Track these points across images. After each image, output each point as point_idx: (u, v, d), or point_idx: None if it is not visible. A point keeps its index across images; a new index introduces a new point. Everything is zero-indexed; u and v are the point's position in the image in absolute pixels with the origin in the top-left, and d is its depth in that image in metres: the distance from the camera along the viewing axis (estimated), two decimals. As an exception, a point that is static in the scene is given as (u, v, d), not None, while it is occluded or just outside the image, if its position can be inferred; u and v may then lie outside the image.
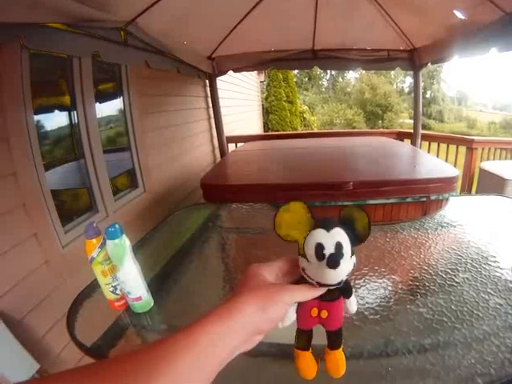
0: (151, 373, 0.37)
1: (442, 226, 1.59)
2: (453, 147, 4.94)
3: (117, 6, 2.17)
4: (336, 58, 4.49)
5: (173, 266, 1.44)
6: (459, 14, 2.89)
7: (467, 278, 1.14)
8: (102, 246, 0.98)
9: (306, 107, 19.58)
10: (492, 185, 3.91)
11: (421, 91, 4.94)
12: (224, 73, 4.85)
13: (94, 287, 1.18)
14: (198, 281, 1.40)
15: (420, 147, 5.01)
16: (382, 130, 10.08)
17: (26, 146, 1.90)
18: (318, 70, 26.24)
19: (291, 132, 10.19)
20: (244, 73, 7.89)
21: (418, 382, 0.76)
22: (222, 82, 5.36)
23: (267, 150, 4.57)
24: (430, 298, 1.06)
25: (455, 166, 3.67)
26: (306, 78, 29.65)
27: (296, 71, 25.99)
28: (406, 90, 28.21)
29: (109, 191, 2.75)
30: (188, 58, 3.65)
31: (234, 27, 3.85)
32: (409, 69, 4.68)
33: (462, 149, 4.76)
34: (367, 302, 1.07)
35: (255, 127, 11.15)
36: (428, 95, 26.48)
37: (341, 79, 30.77)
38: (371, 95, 25.10)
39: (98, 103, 2.71)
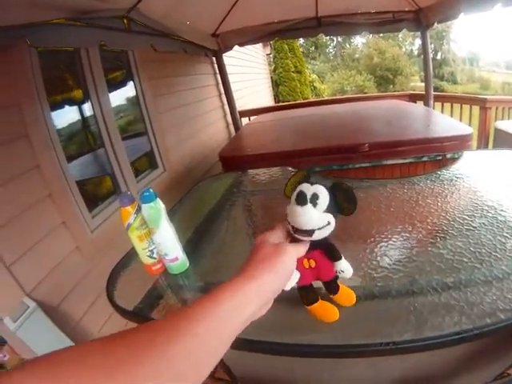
0: (169, 338, 0.39)
1: (457, 178, 1.61)
2: (466, 108, 4.83)
3: (116, -6, 2.19)
4: (341, 24, 4.41)
5: (204, 230, 1.49)
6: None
7: (484, 223, 1.17)
8: (138, 211, 1.02)
9: (315, 76, 19.31)
10: (508, 144, 3.82)
11: (430, 51, 4.85)
12: (230, 48, 4.82)
13: (130, 257, 1.23)
14: (230, 240, 1.46)
15: (433, 108, 4.94)
16: (393, 93, 9.84)
17: (46, 140, 1.96)
18: (323, 38, 25.66)
19: (303, 101, 10.06)
20: (249, 47, 7.81)
21: (444, 316, 0.80)
22: (228, 58, 5.34)
23: (281, 120, 4.55)
24: (450, 241, 1.10)
25: (470, 126, 3.62)
26: (313, 47, 28.97)
27: (301, 41, 25.47)
28: (415, 52, 27.43)
29: (130, 174, 2.83)
30: (193, 37, 3.66)
31: (236, 1, 3.84)
32: (416, 29, 4.55)
33: (476, 110, 4.64)
34: (390, 245, 1.13)
35: (266, 100, 11.03)
36: (438, 57, 25.73)
37: (348, 46, 30.02)
38: (380, 60, 24.44)
39: (110, 93, 2.76)
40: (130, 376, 0.34)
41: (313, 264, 0.66)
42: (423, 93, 5.04)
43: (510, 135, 3.89)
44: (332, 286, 0.71)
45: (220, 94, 5.45)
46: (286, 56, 14.23)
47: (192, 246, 1.31)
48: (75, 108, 2.53)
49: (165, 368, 0.37)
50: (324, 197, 0.60)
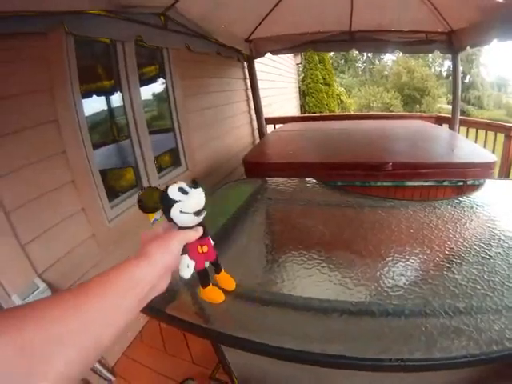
0: (65, 311, 0.43)
1: (477, 205, 1.63)
2: (491, 135, 4.75)
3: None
4: (373, 40, 4.42)
5: (226, 232, 1.52)
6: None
7: (500, 252, 1.20)
8: None
9: (342, 90, 19.22)
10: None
11: (460, 75, 4.81)
12: (262, 55, 4.87)
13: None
14: (249, 245, 1.50)
15: (458, 133, 4.90)
16: (420, 113, 9.81)
17: (75, 126, 2.01)
18: (354, 53, 25.56)
19: (329, 114, 10.08)
20: (280, 55, 7.87)
21: (453, 339, 0.83)
22: (259, 64, 5.38)
23: (306, 130, 4.57)
24: (465, 267, 1.13)
25: (493, 153, 3.58)
26: (342, 61, 28.85)
27: (331, 53, 25.43)
28: (444, 73, 27.07)
29: (153, 169, 2.87)
30: (226, 41, 3.73)
31: (272, 9, 3.87)
32: (447, 52, 4.54)
33: (501, 137, 4.55)
34: (407, 265, 1.16)
35: (292, 109, 11.06)
36: (467, 80, 25.34)
37: (377, 62, 29.81)
38: (408, 79, 24.13)
39: (141, 87, 2.80)
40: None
41: (205, 249, 0.78)
42: (450, 116, 5.02)
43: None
44: (217, 264, 0.86)
45: (248, 99, 5.48)
46: (316, 67, 14.27)
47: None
48: (105, 98, 2.61)
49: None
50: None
